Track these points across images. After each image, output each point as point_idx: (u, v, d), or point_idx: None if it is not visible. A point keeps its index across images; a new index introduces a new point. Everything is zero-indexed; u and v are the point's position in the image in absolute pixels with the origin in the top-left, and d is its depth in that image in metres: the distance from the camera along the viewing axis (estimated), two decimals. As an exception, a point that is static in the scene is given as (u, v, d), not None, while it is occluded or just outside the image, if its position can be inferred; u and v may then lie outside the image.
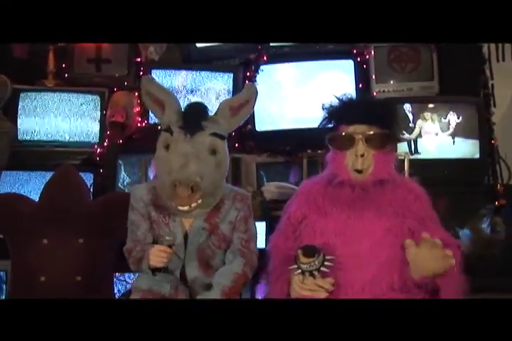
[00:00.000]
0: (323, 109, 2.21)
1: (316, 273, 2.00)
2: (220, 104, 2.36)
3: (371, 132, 2.11)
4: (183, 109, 2.29)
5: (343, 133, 2.14)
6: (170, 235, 2.21)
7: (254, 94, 2.37)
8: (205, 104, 2.32)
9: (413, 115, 3.31)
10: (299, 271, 2.02)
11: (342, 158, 2.14)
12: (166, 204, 2.28)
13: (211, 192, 2.24)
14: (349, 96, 2.20)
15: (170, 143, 2.23)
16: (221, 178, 2.30)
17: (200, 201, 2.20)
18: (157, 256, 2.16)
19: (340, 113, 2.18)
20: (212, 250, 2.30)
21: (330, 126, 2.20)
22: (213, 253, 2.30)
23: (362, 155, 2.10)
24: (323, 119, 2.21)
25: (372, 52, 3.48)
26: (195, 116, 2.26)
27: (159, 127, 2.37)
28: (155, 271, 2.20)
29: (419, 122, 3.30)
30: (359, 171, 2.11)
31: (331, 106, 2.20)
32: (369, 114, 2.13)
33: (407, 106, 3.30)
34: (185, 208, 2.19)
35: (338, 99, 2.20)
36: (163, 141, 2.27)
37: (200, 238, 2.28)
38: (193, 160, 2.18)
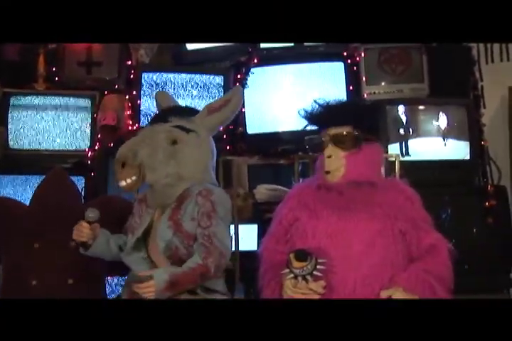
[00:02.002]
0: (300, 115, 2.23)
1: (308, 277, 2.00)
2: (204, 106, 2.47)
3: (337, 132, 2.12)
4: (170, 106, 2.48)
5: (312, 137, 2.18)
6: (92, 212, 2.32)
7: (238, 95, 2.45)
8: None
9: (403, 117, 3.32)
10: (292, 275, 2.01)
11: (320, 161, 2.17)
12: (147, 198, 2.37)
13: (159, 180, 2.28)
14: (324, 100, 2.20)
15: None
16: (178, 170, 2.30)
17: (134, 177, 2.26)
18: (77, 229, 2.30)
19: (316, 117, 2.19)
20: (183, 248, 2.25)
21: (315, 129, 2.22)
22: (187, 250, 2.25)
23: (329, 157, 2.11)
24: (305, 126, 2.24)
25: (363, 55, 3.49)
26: (168, 110, 2.42)
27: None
28: (82, 246, 2.33)
29: (410, 124, 3.31)
30: (327, 172, 2.12)
31: (306, 111, 2.21)
32: (341, 116, 2.14)
33: (398, 108, 3.32)
34: (122, 183, 2.27)
35: (315, 103, 2.21)
36: None
37: (166, 236, 2.27)
38: (133, 141, 2.30)
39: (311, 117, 2.20)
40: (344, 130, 2.12)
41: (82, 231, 2.30)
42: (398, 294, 1.99)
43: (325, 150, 2.13)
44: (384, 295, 2.00)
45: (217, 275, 2.24)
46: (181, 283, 2.17)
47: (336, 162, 2.11)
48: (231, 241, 2.37)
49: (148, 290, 2.13)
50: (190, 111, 2.47)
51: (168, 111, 2.43)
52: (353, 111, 2.17)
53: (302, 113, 2.22)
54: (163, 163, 2.28)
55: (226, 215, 2.31)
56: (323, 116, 2.16)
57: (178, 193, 2.30)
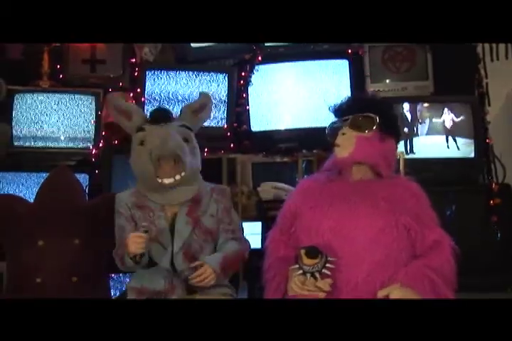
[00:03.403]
0: (329, 109, 2.28)
1: (317, 274, 2.00)
2: (182, 107, 2.56)
3: (356, 116, 2.18)
4: (150, 114, 2.49)
5: (333, 121, 2.24)
6: (161, 237, 2.31)
7: (210, 102, 2.57)
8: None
9: (408, 114, 3.31)
10: (301, 271, 2.02)
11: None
12: (148, 204, 2.38)
13: (191, 172, 2.36)
14: (350, 96, 2.31)
15: (145, 137, 2.37)
16: (197, 165, 2.43)
17: (183, 173, 2.31)
18: (134, 242, 2.21)
19: (342, 107, 2.25)
20: (199, 244, 2.35)
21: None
22: (201, 247, 2.36)
23: (343, 134, 2.18)
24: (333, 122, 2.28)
25: (367, 52, 3.49)
26: (162, 113, 2.46)
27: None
28: (135, 258, 2.25)
29: (414, 122, 3.31)
30: (337, 145, 2.17)
31: (336, 105, 2.27)
32: (365, 106, 2.20)
33: (402, 106, 3.31)
34: (171, 180, 2.30)
35: (347, 97, 2.30)
36: (137, 139, 2.40)
37: (185, 232, 2.34)
38: (170, 136, 2.33)
39: (339, 109, 2.25)
40: (363, 114, 2.18)
41: (140, 242, 2.21)
42: (395, 292, 1.99)
43: (341, 130, 2.19)
44: (381, 294, 2.00)
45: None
46: (229, 267, 2.32)
47: (347, 139, 2.17)
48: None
49: (205, 276, 2.22)
50: (171, 114, 2.51)
51: (165, 114, 2.46)
52: (377, 104, 2.25)
53: (331, 107, 2.28)
54: (187, 158, 2.35)
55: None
56: (349, 105, 2.23)
57: (196, 188, 2.39)
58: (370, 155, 2.16)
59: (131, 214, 2.40)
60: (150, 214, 2.37)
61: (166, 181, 2.30)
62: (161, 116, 2.44)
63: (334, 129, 2.23)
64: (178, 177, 2.31)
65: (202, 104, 2.54)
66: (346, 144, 2.16)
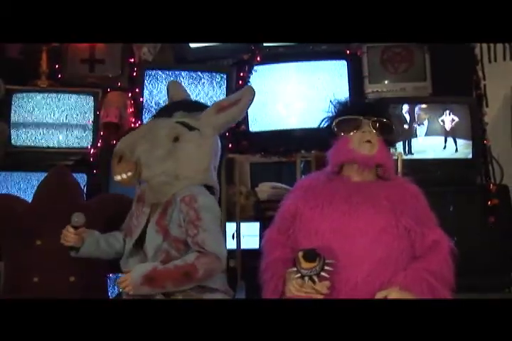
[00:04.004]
0: (331, 103, 2.30)
1: (315, 278, 2.00)
2: (217, 101, 2.41)
3: (378, 119, 2.22)
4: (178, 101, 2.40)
5: (352, 117, 2.23)
6: (78, 216, 2.27)
7: (249, 95, 2.35)
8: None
9: (406, 115, 3.32)
10: (299, 274, 2.02)
11: (346, 142, 2.21)
12: (144, 197, 2.32)
13: (155, 177, 2.22)
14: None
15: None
16: (176, 168, 2.23)
17: (130, 173, 2.20)
18: (64, 235, 2.26)
19: (347, 107, 2.28)
20: (174, 251, 2.20)
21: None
22: (179, 254, 2.19)
23: (369, 132, 2.20)
24: (332, 114, 2.30)
25: (366, 53, 3.49)
26: (174, 105, 2.36)
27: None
28: (70, 250, 2.29)
29: (412, 122, 3.31)
30: (368, 141, 2.19)
31: (341, 102, 2.31)
32: (379, 109, 2.29)
33: (400, 107, 3.31)
34: (117, 178, 2.22)
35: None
36: None
37: (156, 241, 2.22)
38: (132, 136, 2.25)
39: (348, 107, 2.28)
40: (384, 119, 2.23)
41: (68, 236, 2.26)
42: (393, 294, 2.00)
43: (362, 129, 2.20)
44: (379, 296, 2.00)
45: (207, 279, 2.16)
46: (159, 279, 2.11)
47: (375, 138, 2.20)
48: (225, 244, 2.31)
49: (125, 284, 2.12)
50: (197, 107, 2.38)
51: (174, 106, 2.37)
52: (382, 108, 2.37)
53: (336, 103, 2.30)
54: (160, 160, 2.22)
55: (213, 220, 2.22)
56: (363, 106, 2.30)
57: (173, 192, 2.23)
58: (387, 159, 2.23)
59: (133, 206, 2.38)
60: (139, 209, 2.31)
61: (114, 178, 2.24)
62: (162, 109, 2.36)
63: (351, 125, 2.23)
64: (124, 175, 2.21)
65: (234, 100, 2.35)
66: (375, 143, 2.20)
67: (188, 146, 2.26)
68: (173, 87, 2.57)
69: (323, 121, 2.32)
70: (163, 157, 2.23)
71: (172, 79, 3.28)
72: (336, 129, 2.25)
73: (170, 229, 2.20)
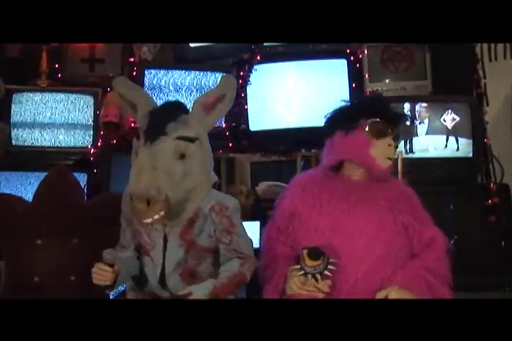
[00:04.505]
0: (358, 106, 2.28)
1: (318, 276, 2.01)
2: (194, 102, 2.21)
3: (393, 128, 2.21)
4: (149, 114, 2.13)
5: (384, 123, 2.19)
6: (110, 253, 2.10)
7: (232, 87, 2.21)
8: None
9: (407, 114, 3.31)
10: (302, 272, 2.02)
11: (367, 146, 2.17)
12: None
13: (179, 201, 2.10)
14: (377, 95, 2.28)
15: (138, 151, 2.11)
16: (193, 185, 2.13)
17: (162, 213, 2.05)
18: (98, 274, 2.08)
19: (367, 108, 2.23)
20: (193, 259, 2.18)
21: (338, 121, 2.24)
22: (199, 262, 2.19)
23: (389, 145, 2.19)
24: (345, 113, 2.25)
25: (366, 52, 3.49)
26: (159, 118, 2.10)
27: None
28: (106, 288, 2.12)
29: (413, 121, 3.31)
30: (390, 159, 2.19)
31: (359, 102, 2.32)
32: (389, 113, 2.24)
33: (401, 106, 3.31)
34: (149, 220, 2.06)
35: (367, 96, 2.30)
36: (134, 148, 2.15)
37: (178, 255, 2.17)
38: (146, 171, 2.03)
39: (362, 108, 2.24)
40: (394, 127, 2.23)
41: (103, 275, 2.08)
42: (393, 293, 2.00)
43: (387, 138, 2.19)
44: (380, 296, 2.00)
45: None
46: (221, 293, 2.11)
47: (394, 151, 2.23)
48: (252, 242, 2.28)
49: None
50: (178, 110, 2.17)
51: (162, 120, 2.11)
52: (393, 110, 2.30)
53: (355, 104, 2.30)
54: (179, 183, 2.08)
55: (241, 221, 2.23)
56: (377, 109, 2.22)
57: (197, 206, 2.15)
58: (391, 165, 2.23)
59: (131, 217, 2.19)
60: (147, 226, 2.17)
61: (144, 221, 2.07)
62: (154, 127, 2.09)
63: (380, 130, 2.19)
64: (156, 217, 2.05)
65: (220, 95, 2.19)
66: (392, 157, 2.22)
67: (196, 159, 2.14)
68: (119, 85, 2.25)
69: (340, 112, 2.26)
70: (182, 179, 2.10)
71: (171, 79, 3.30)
72: (366, 129, 2.18)
73: (198, 241, 2.16)
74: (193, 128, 2.14)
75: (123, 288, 2.26)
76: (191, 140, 2.12)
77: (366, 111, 2.20)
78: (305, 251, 2.03)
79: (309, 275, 2.01)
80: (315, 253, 2.01)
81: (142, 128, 2.12)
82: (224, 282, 2.12)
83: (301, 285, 2.02)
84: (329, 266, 2.01)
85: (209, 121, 2.21)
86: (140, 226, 2.21)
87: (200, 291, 2.10)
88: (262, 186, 3.30)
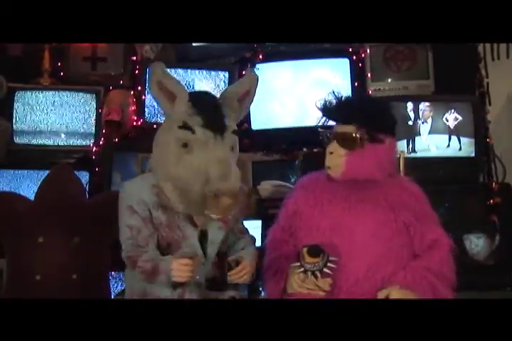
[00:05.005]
0: (317, 107, 2.23)
1: (318, 273, 2.02)
2: (227, 94, 2.21)
3: (341, 131, 2.15)
4: (196, 105, 2.10)
5: (323, 131, 2.20)
6: (188, 246, 2.09)
7: (255, 83, 2.25)
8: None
9: (410, 113, 3.31)
10: (302, 269, 2.03)
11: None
12: (171, 205, 2.14)
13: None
14: (340, 95, 2.20)
15: (192, 144, 2.06)
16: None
17: (232, 212, 2.14)
18: (180, 270, 2.02)
19: (331, 112, 2.20)
20: (230, 243, 2.25)
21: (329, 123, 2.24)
22: (235, 238, 2.28)
23: (330, 153, 2.15)
24: (321, 117, 2.24)
25: (368, 51, 3.49)
26: (217, 113, 2.10)
27: (155, 126, 2.33)
28: (178, 285, 2.08)
29: (416, 121, 3.30)
30: (328, 167, 2.16)
31: (325, 104, 2.21)
32: (349, 114, 2.15)
33: (403, 105, 3.31)
34: (219, 216, 2.10)
35: (333, 97, 2.21)
36: (180, 138, 2.08)
37: (218, 238, 2.18)
38: (232, 168, 2.07)
39: (324, 110, 2.21)
40: (348, 129, 2.13)
41: (188, 271, 2.03)
42: (394, 293, 2.00)
43: (328, 146, 2.16)
44: (381, 295, 2.00)
45: None
46: (257, 263, 2.19)
47: (335, 159, 2.14)
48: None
49: (245, 272, 2.11)
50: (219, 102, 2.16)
51: (219, 113, 2.11)
52: (362, 109, 2.16)
53: (318, 104, 2.23)
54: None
55: None
56: (333, 111, 2.19)
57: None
58: (363, 171, 2.12)
59: (150, 215, 2.14)
60: (176, 218, 2.14)
61: (215, 217, 2.09)
62: (217, 121, 2.08)
63: (323, 140, 2.20)
64: (227, 213, 2.11)
65: (246, 91, 2.21)
66: (335, 165, 2.14)
67: (237, 150, 2.21)
68: (160, 72, 2.18)
69: (319, 122, 2.25)
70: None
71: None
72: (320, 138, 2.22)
73: (229, 221, 2.20)
74: (233, 121, 2.17)
75: (123, 288, 2.25)
76: (236, 133, 2.18)
77: (328, 116, 2.22)
78: (305, 249, 2.04)
79: (309, 273, 2.02)
80: (314, 251, 2.02)
81: (194, 121, 2.08)
82: (256, 253, 2.20)
83: (301, 282, 2.03)
84: (329, 264, 2.02)
85: (241, 115, 2.26)
86: (170, 221, 2.14)
87: (250, 256, 2.17)
88: (264, 185, 3.30)
